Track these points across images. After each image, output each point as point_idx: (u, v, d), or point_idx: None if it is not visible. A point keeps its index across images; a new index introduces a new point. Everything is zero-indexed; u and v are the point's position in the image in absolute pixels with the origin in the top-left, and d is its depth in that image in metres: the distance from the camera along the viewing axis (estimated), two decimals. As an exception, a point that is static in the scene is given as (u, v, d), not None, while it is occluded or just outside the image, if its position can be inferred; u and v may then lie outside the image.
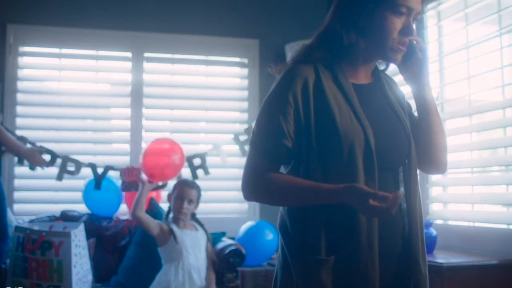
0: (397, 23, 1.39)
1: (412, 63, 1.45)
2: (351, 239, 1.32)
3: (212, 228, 3.26)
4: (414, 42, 1.43)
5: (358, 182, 1.32)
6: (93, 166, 3.44)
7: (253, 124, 1.45)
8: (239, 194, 4.01)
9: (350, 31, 1.42)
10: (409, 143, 1.44)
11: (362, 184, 1.32)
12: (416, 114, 1.54)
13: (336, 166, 1.34)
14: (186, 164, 3.52)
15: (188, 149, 4.00)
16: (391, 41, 1.40)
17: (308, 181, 1.35)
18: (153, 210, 3.32)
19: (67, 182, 3.81)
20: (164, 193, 3.56)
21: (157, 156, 3.30)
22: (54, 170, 3.86)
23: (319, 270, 1.33)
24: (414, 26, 1.42)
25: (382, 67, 1.55)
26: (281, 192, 1.38)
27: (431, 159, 1.49)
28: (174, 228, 3.00)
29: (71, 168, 3.45)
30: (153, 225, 3.00)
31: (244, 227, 3.53)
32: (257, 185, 1.41)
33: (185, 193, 3.07)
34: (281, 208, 1.46)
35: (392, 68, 1.62)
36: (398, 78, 1.61)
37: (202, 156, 3.63)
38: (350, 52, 1.44)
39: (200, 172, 3.64)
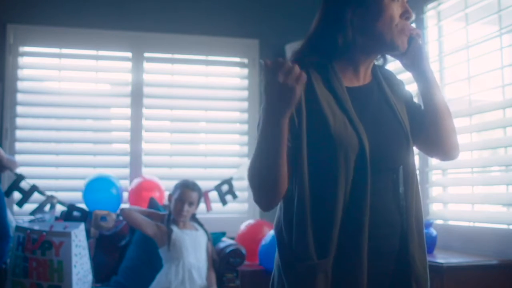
0: (396, 8, 1.39)
1: (410, 49, 1.44)
2: (340, 242, 1.31)
3: (212, 228, 3.26)
4: (410, 29, 1.42)
5: (348, 187, 1.31)
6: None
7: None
8: (239, 194, 4.01)
9: (347, 29, 1.39)
10: (408, 142, 1.43)
11: (343, 187, 1.30)
12: (417, 100, 1.53)
13: (328, 172, 1.32)
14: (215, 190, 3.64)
15: (189, 149, 4.03)
16: (395, 28, 1.38)
17: None
18: (153, 209, 3.32)
19: (67, 182, 3.82)
20: (165, 194, 3.56)
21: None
22: (54, 169, 3.87)
23: (313, 275, 1.31)
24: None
25: (379, 62, 1.53)
26: (256, 157, 1.31)
27: (443, 143, 1.48)
28: (174, 228, 3.00)
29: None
30: (146, 223, 3.01)
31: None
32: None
33: (186, 195, 3.06)
34: (278, 210, 1.42)
35: (393, 69, 1.62)
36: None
37: (229, 182, 3.65)
38: (347, 51, 1.41)
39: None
